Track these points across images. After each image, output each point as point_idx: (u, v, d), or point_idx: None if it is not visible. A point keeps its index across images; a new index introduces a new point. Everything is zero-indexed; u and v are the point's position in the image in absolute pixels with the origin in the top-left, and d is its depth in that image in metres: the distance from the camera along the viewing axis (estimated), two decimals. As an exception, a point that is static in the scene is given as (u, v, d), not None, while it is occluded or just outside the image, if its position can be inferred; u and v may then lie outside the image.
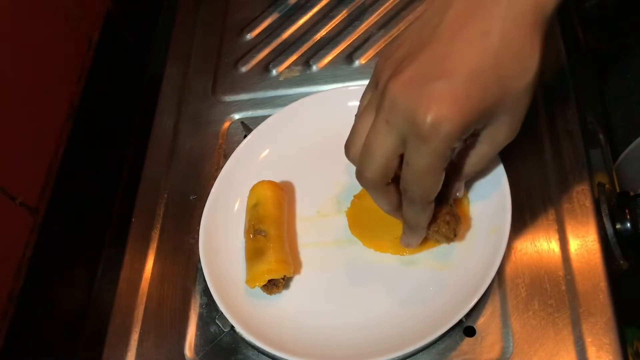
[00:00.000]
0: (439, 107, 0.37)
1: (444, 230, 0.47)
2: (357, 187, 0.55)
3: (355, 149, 0.44)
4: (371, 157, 0.42)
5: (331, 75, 0.66)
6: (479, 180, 0.52)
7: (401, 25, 0.68)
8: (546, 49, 0.39)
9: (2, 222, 0.51)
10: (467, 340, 0.49)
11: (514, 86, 0.39)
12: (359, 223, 0.54)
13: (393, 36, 0.67)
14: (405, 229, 0.48)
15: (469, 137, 0.41)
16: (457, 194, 0.49)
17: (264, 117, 0.60)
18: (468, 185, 0.52)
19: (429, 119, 0.37)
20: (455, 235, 0.48)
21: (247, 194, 0.55)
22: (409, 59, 0.40)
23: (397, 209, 0.46)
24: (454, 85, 0.37)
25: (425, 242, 0.50)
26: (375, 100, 0.42)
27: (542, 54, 0.39)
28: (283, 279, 0.51)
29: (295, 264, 0.53)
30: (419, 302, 0.49)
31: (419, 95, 0.38)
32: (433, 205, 0.44)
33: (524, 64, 0.39)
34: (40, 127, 0.58)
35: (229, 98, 0.68)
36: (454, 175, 0.47)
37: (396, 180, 0.44)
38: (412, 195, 0.43)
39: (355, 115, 0.46)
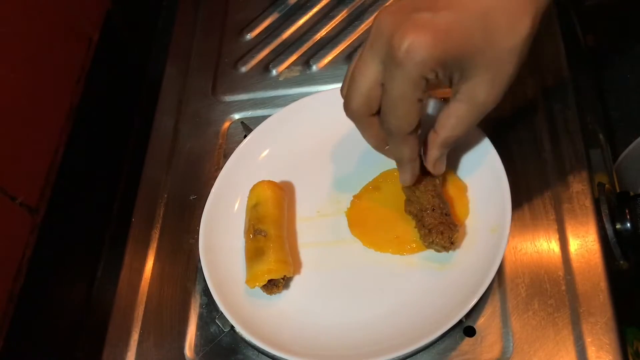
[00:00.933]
0: (417, 33, 0.38)
1: (438, 240, 0.48)
2: (357, 187, 0.55)
3: (345, 83, 0.45)
4: (355, 85, 0.43)
5: (331, 75, 0.66)
6: (479, 180, 0.52)
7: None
8: (538, 26, 0.40)
9: (2, 222, 0.51)
10: (467, 340, 0.49)
11: (499, 42, 0.39)
12: (358, 223, 0.54)
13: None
14: (397, 164, 0.48)
15: (444, 84, 0.42)
16: (438, 168, 0.48)
17: (264, 117, 0.60)
18: (468, 185, 0.52)
19: (405, 42, 0.38)
20: (452, 244, 0.48)
21: (247, 194, 0.55)
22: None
23: (382, 144, 0.47)
24: (437, 18, 0.38)
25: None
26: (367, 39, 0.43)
27: (534, 26, 0.40)
28: (283, 279, 0.51)
29: (295, 264, 0.53)
30: (419, 302, 0.49)
31: (402, 20, 0.39)
32: (413, 138, 0.44)
33: (514, 25, 0.39)
34: (40, 127, 0.58)
35: (229, 98, 0.68)
36: (434, 141, 0.46)
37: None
38: (389, 125, 0.43)
39: None
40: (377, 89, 0.42)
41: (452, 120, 0.44)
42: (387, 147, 0.47)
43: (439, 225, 0.48)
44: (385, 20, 0.40)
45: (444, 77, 0.41)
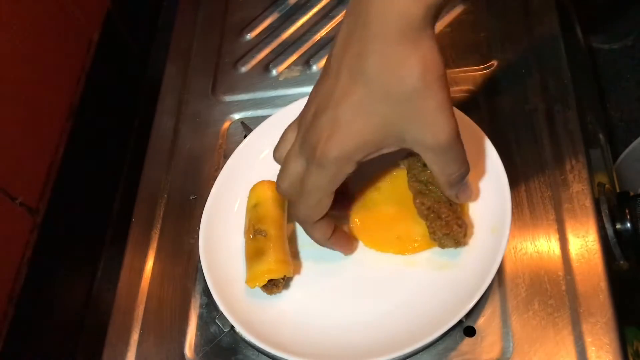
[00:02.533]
0: (327, 139, 0.41)
1: (456, 233, 0.47)
2: (357, 187, 0.55)
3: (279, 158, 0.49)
4: (284, 172, 0.47)
5: (331, 75, 0.66)
6: (479, 180, 0.52)
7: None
8: (432, 49, 0.39)
9: (2, 222, 0.51)
10: (467, 340, 0.49)
11: (397, 97, 0.40)
12: (360, 223, 0.54)
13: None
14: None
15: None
16: (463, 199, 0.48)
17: (264, 117, 0.60)
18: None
19: (319, 149, 0.42)
20: (464, 239, 0.48)
21: (247, 194, 0.55)
22: (315, 89, 0.44)
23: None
24: (338, 117, 0.41)
25: (426, 241, 0.50)
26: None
27: (425, 57, 0.39)
28: (283, 279, 0.51)
29: (295, 264, 0.53)
30: (419, 302, 0.49)
31: (314, 126, 0.42)
32: (322, 223, 0.47)
33: (400, 74, 0.39)
34: (40, 127, 0.58)
35: (229, 98, 0.68)
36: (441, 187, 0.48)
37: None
38: (297, 213, 0.47)
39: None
40: (297, 184, 0.45)
41: (434, 168, 0.44)
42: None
43: (457, 219, 0.47)
44: (303, 122, 0.44)
45: (372, 154, 0.42)
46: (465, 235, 0.48)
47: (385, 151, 0.43)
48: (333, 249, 0.51)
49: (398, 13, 0.38)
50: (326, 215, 0.47)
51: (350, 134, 0.41)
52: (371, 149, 0.42)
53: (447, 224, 0.47)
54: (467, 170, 0.45)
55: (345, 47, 0.41)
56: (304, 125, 0.44)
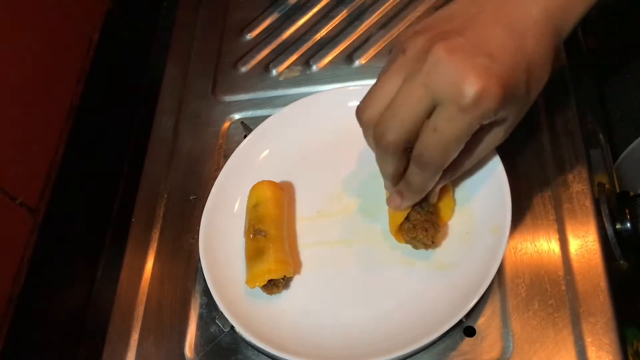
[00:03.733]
0: (487, 82, 0.37)
1: (422, 237, 0.48)
2: (357, 187, 0.55)
3: (373, 112, 0.42)
4: (399, 120, 0.41)
5: (331, 75, 0.66)
6: (479, 180, 0.52)
7: (401, 26, 0.68)
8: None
9: (2, 222, 0.51)
10: (467, 340, 0.49)
11: (532, 91, 0.42)
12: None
13: (393, 36, 0.67)
14: (404, 190, 0.47)
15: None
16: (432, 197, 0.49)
17: (264, 117, 0.60)
18: (466, 186, 0.52)
19: (475, 90, 0.37)
20: (432, 242, 0.48)
21: (247, 194, 0.55)
22: (452, 33, 0.40)
23: (399, 175, 0.46)
24: (502, 67, 0.38)
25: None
26: (406, 65, 0.41)
27: (552, 72, 0.42)
28: (283, 279, 0.51)
29: (295, 264, 0.53)
30: (419, 302, 0.49)
31: (467, 65, 0.38)
32: (439, 174, 0.44)
33: (543, 74, 0.42)
34: (40, 127, 0.58)
35: (229, 98, 0.68)
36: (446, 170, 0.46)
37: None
38: (429, 160, 0.42)
39: (372, 86, 0.44)
40: (421, 125, 0.41)
41: (474, 155, 0.46)
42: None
43: (424, 222, 0.48)
44: (447, 59, 0.38)
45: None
46: (433, 239, 0.48)
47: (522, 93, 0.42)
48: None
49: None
50: None
51: (507, 84, 0.39)
52: (502, 107, 0.40)
53: (414, 228, 0.48)
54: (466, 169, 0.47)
55: (499, 16, 0.40)
56: (449, 60, 0.38)
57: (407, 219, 0.49)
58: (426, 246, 0.49)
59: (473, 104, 0.38)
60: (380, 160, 0.45)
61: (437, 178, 0.45)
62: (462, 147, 0.41)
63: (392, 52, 0.43)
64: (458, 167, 0.48)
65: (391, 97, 0.41)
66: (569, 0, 0.42)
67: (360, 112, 0.44)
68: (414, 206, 0.48)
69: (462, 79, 0.38)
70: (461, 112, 0.38)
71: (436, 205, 0.51)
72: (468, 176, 0.52)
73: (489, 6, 0.41)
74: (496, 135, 0.45)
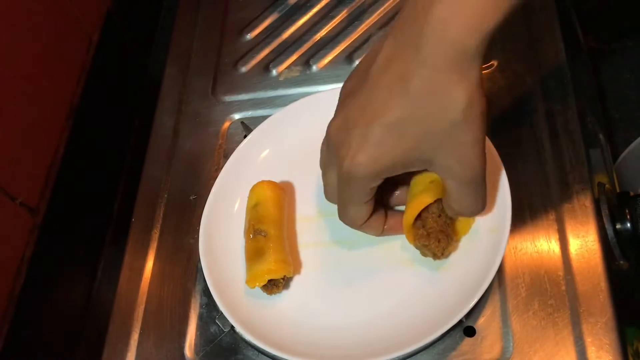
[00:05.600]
0: (353, 155, 0.42)
1: (433, 246, 0.47)
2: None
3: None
4: (325, 182, 0.48)
5: (331, 75, 0.66)
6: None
7: (401, 25, 0.68)
8: (479, 83, 0.39)
9: (2, 222, 0.51)
10: (467, 340, 0.49)
11: (436, 125, 0.40)
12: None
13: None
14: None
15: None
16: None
17: (264, 117, 0.60)
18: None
19: (345, 165, 0.42)
20: (442, 254, 0.48)
21: (247, 194, 0.55)
22: (346, 101, 0.44)
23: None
24: (368, 134, 0.41)
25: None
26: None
27: (471, 89, 0.38)
28: (283, 279, 0.51)
29: (295, 264, 0.53)
30: (419, 302, 0.49)
31: (342, 140, 0.43)
32: (372, 220, 0.48)
33: (444, 103, 0.39)
34: (40, 127, 0.58)
35: (229, 98, 0.68)
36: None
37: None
38: (344, 220, 0.48)
39: None
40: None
41: (453, 196, 0.44)
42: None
43: (439, 233, 0.47)
44: (332, 137, 0.44)
45: (401, 172, 0.43)
46: (444, 251, 0.47)
47: (410, 170, 0.43)
48: (392, 231, 0.51)
49: (452, 41, 0.37)
50: (373, 213, 0.48)
51: (380, 154, 0.41)
52: (398, 169, 0.43)
53: (427, 236, 0.47)
54: (482, 209, 0.45)
55: (388, 64, 0.40)
56: (332, 136, 0.44)
57: (423, 225, 0.48)
58: (435, 256, 0.48)
59: (347, 176, 0.43)
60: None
61: (370, 226, 0.49)
62: (362, 206, 0.46)
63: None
64: (456, 213, 0.47)
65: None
66: (466, 25, 0.38)
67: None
68: (432, 214, 0.48)
69: (337, 155, 0.43)
70: (343, 183, 0.44)
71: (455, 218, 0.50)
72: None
73: (381, 55, 0.41)
74: (451, 173, 0.42)
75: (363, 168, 0.42)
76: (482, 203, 0.44)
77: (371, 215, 0.48)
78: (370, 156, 0.41)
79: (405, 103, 0.39)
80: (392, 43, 0.40)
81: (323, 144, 0.48)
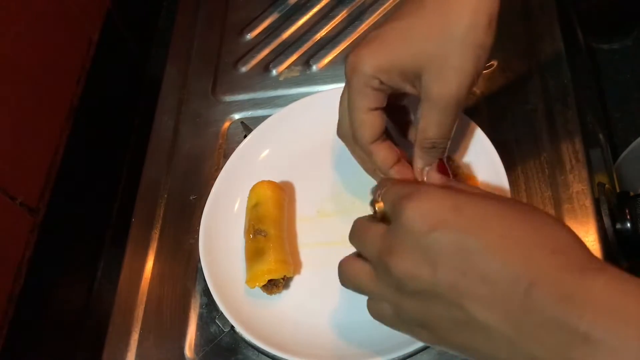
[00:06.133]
0: (355, 51, 0.44)
1: None
2: (357, 187, 0.55)
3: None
4: (339, 112, 0.49)
5: (331, 75, 0.66)
6: (479, 180, 0.52)
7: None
8: (487, 18, 0.41)
9: (2, 222, 0.51)
10: (467, 340, 0.49)
11: (436, 41, 0.41)
12: None
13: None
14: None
15: (407, 90, 0.45)
16: (431, 178, 0.47)
17: (264, 117, 0.60)
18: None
19: (348, 61, 0.44)
20: None
21: (247, 194, 0.55)
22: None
23: (369, 165, 0.50)
24: (378, 33, 0.43)
25: None
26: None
27: (476, 18, 0.41)
28: (283, 279, 0.51)
29: (295, 264, 0.53)
30: (419, 302, 0.49)
31: (355, 47, 0.44)
32: (382, 146, 0.47)
33: (448, 22, 0.41)
34: (40, 127, 0.58)
35: (229, 98, 0.68)
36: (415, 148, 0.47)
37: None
38: (355, 137, 0.47)
39: None
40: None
41: (422, 122, 0.45)
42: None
43: None
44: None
45: (397, 83, 0.44)
46: None
47: (401, 88, 0.44)
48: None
49: None
50: (384, 143, 0.47)
51: (380, 49, 0.43)
52: (393, 72, 0.43)
53: None
54: (444, 145, 0.45)
55: None
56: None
57: None
58: None
59: (349, 72, 0.44)
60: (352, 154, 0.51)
61: (379, 150, 0.47)
62: (366, 113, 0.45)
63: None
64: (420, 141, 0.47)
65: None
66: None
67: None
68: None
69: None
70: (347, 84, 0.45)
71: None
72: (467, 176, 0.52)
73: None
74: (428, 91, 0.43)
75: (362, 59, 0.43)
76: (446, 137, 0.45)
77: (383, 140, 0.47)
78: (372, 49, 0.43)
79: (417, 13, 0.42)
80: None
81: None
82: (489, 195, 0.38)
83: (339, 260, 0.53)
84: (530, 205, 0.38)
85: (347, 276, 0.42)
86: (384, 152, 0.47)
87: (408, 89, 0.44)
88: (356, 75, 0.44)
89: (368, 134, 0.46)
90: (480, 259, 0.33)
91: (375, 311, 0.40)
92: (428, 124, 0.44)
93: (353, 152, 0.50)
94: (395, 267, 0.35)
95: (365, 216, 0.42)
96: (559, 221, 0.35)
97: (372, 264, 0.39)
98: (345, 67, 0.44)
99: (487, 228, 0.33)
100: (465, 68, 0.41)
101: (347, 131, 0.48)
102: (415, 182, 0.44)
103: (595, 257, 0.33)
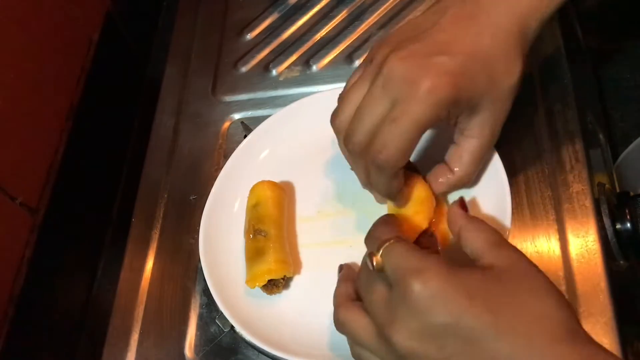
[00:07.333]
0: (438, 76, 0.41)
1: None
2: (358, 187, 0.55)
3: (343, 118, 0.46)
4: (361, 120, 0.44)
5: (331, 75, 0.66)
6: (478, 180, 0.52)
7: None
8: (526, 68, 0.45)
9: (2, 222, 0.51)
10: (467, 340, 0.49)
11: (500, 82, 0.44)
12: None
13: (393, 36, 0.67)
14: (374, 193, 0.51)
15: (451, 124, 0.46)
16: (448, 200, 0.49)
17: (264, 117, 0.60)
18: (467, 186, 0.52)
19: (427, 82, 0.41)
20: None
21: (247, 194, 0.55)
22: (409, 41, 0.44)
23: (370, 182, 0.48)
24: (453, 61, 0.42)
25: None
26: (370, 73, 0.45)
27: (524, 67, 0.44)
28: (283, 279, 0.51)
29: (295, 264, 0.53)
30: (419, 302, 0.49)
31: (419, 65, 0.42)
32: (400, 175, 0.46)
33: (509, 67, 0.44)
34: (40, 127, 0.58)
35: (229, 98, 0.68)
36: (448, 181, 0.49)
37: None
38: (381, 158, 0.43)
39: (341, 93, 0.48)
40: (379, 126, 0.43)
41: (466, 156, 0.47)
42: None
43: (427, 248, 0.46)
44: (400, 65, 0.42)
45: (452, 114, 0.45)
46: None
47: (454, 113, 0.45)
48: (404, 198, 0.49)
49: (519, 15, 0.44)
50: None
51: (460, 80, 0.42)
52: (462, 102, 0.43)
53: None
54: (468, 180, 0.49)
55: (457, 20, 0.44)
56: (400, 64, 0.42)
57: (416, 241, 0.46)
58: None
59: (427, 93, 0.41)
60: (353, 166, 0.49)
61: (399, 177, 0.46)
62: (415, 140, 0.43)
63: (363, 60, 0.48)
64: (452, 179, 0.48)
65: (357, 103, 0.45)
66: (532, 4, 0.44)
67: (333, 117, 0.48)
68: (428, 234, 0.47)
69: (414, 76, 0.41)
70: (416, 103, 0.41)
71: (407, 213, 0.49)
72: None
73: (449, 12, 0.44)
74: (481, 131, 0.46)
75: (447, 91, 0.41)
76: (476, 172, 0.49)
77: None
78: (456, 81, 0.41)
79: (482, 51, 0.43)
80: (459, 4, 0.44)
81: (351, 88, 0.46)
82: (495, 276, 0.37)
83: (338, 261, 0.53)
84: (536, 279, 0.37)
85: (344, 323, 0.41)
86: (401, 178, 0.47)
87: (455, 112, 0.45)
88: (435, 102, 0.41)
89: (404, 160, 0.44)
90: (490, 346, 0.34)
91: (359, 358, 0.41)
92: (473, 159, 0.47)
93: (359, 164, 0.47)
94: (399, 343, 0.36)
95: (367, 259, 0.40)
96: (559, 299, 0.35)
97: (374, 323, 0.38)
98: (418, 88, 0.41)
99: (498, 313, 0.34)
100: (508, 110, 0.46)
101: (364, 142, 0.44)
102: (419, 253, 0.38)
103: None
